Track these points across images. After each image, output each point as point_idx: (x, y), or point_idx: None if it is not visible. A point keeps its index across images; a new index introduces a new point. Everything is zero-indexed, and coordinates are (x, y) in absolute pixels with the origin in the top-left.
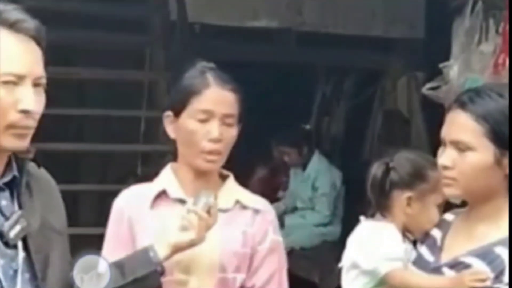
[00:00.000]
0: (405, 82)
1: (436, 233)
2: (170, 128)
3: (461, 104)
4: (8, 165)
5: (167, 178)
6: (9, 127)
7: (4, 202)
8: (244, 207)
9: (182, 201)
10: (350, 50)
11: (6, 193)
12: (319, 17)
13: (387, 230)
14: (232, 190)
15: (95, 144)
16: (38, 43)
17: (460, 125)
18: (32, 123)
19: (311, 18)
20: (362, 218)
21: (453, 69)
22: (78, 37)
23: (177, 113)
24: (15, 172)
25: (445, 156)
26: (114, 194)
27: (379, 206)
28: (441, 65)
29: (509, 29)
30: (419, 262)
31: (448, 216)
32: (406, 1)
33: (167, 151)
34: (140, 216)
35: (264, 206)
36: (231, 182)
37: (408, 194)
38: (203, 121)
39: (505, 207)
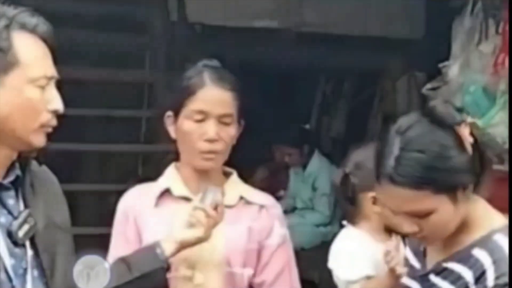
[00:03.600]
0: (405, 82)
1: None
2: (171, 128)
3: (390, 179)
4: (11, 165)
5: (171, 176)
6: (41, 127)
7: (11, 202)
8: (248, 203)
9: (186, 199)
10: (350, 50)
11: (12, 192)
12: (319, 17)
13: (354, 244)
14: (236, 187)
15: (95, 144)
16: (49, 44)
17: (406, 200)
18: (55, 122)
19: (311, 18)
20: (344, 222)
21: (452, 69)
22: (78, 37)
23: (176, 114)
24: (17, 171)
25: (408, 225)
26: (114, 194)
27: (350, 214)
28: (440, 65)
29: (509, 29)
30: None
31: None
32: (406, 1)
33: (168, 151)
34: (145, 215)
35: (269, 201)
36: (234, 179)
37: (371, 194)
38: (199, 121)
39: (479, 209)
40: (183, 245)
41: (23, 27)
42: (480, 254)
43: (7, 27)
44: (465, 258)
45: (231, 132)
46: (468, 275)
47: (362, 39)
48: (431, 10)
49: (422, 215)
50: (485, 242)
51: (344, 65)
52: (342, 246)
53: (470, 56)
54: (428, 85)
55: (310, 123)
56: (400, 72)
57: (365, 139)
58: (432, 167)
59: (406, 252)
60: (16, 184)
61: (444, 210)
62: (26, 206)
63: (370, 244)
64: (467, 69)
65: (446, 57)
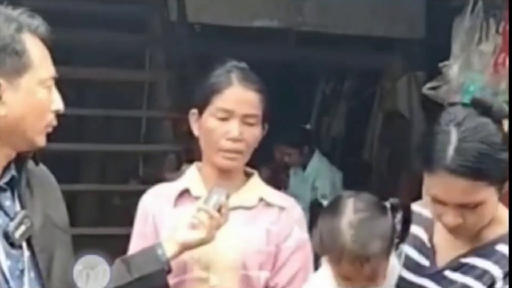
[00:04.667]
0: (405, 82)
1: (418, 231)
2: (195, 126)
3: (450, 169)
4: (7, 165)
5: (191, 176)
6: (46, 127)
7: (7, 203)
8: (269, 204)
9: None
10: (350, 50)
11: (8, 193)
12: (319, 17)
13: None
14: (256, 188)
15: (95, 144)
16: (48, 45)
17: (461, 191)
18: (55, 121)
19: (311, 18)
20: None
21: (453, 68)
22: (78, 37)
23: (201, 111)
24: (13, 171)
25: (453, 217)
26: (114, 194)
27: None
28: (441, 65)
29: (509, 28)
30: (411, 267)
31: (425, 212)
32: (406, 1)
33: (168, 151)
34: (163, 215)
35: (289, 204)
36: (255, 179)
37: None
38: (223, 119)
39: (500, 207)
40: (185, 247)
41: (28, 29)
42: (505, 249)
43: (18, 30)
44: (489, 253)
45: (255, 133)
46: (494, 270)
47: (362, 39)
48: (431, 10)
49: (471, 206)
50: (507, 238)
51: (344, 65)
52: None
53: (470, 56)
54: (428, 85)
55: (310, 123)
56: (400, 72)
57: (366, 139)
58: (492, 158)
59: (407, 251)
60: (12, 185)
61: (491, 202)
62: (22, 206)
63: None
64: (467, 69)
65: (447, 57)
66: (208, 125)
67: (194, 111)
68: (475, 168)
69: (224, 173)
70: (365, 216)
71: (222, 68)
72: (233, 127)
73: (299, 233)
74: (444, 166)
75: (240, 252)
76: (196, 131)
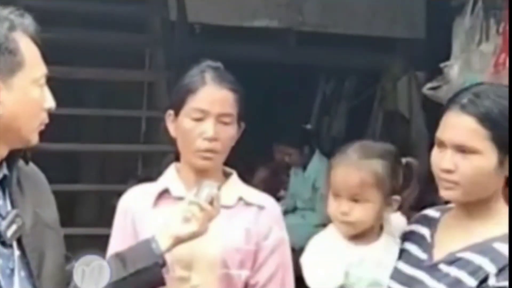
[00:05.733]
0: (405, 82)
1: (421, 229)
2: (171, 127)
3: (462, 106)
4: None
5: (170, 176)
6: (39, 125)
7: None
8: (248, 204)
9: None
10: (350, 50)
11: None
12: (319, 17)
13: (328, 253)
14: (235, 187)
15: (95, 144)
16: (38, 44)
17: (464, 129)
18: (47, 119)
19: (311, 18)
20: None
21: (453, 68)
22: (78, 37)
23: (177, 112)
24: (5, 170)
25: (448, 160)
26: (114, 194)
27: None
28: (441, 65)
29: (509, 29)
30: (409, 260)
31: (432, 213)
32: (406, 1)
33: (168, 151)
34: (142, 215)
35: (268, 203)
36: (234, 179)
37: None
38: (198, 119)
39: (502, 206)
40: (179, 240)
41: (20, 28)
42: (502, 248)
43: (10, 28)
44: (486, 250)
45: (231, 132)
46: (489, 266)
47: (363, 39)
48: (431, 10)
49: (466, 152)
50: (506, 237)
51: (344, 65)
52: (317, 256)
53: (470, 56)
54: (428, 85)
55: (310, 123)
56: (400, 72)
57: (366, 139)
58: (503, 115)
59: (410, 248)
60: (3, 183)
61: (487, 160)
62: (13, 205)
63: (343, 248)
64: (468, 69)
65: (447, 57)
66: (184, 126)
67: (170, 112)
68: (484, 110)
69: (202, 173)
70: (377, 146)
71: (196, 69)
72: (208, 127)
73: (278, 232)
74: (459, 103)
75: (220, 251)
76: (173, 132)
